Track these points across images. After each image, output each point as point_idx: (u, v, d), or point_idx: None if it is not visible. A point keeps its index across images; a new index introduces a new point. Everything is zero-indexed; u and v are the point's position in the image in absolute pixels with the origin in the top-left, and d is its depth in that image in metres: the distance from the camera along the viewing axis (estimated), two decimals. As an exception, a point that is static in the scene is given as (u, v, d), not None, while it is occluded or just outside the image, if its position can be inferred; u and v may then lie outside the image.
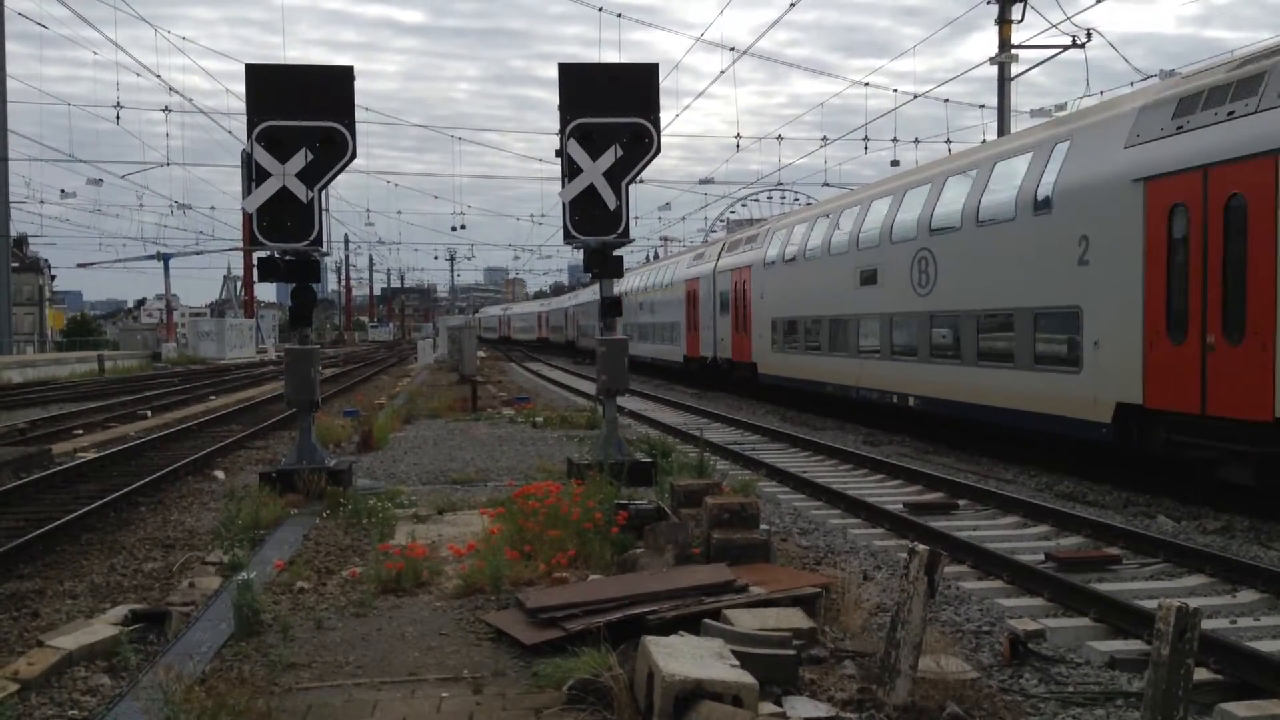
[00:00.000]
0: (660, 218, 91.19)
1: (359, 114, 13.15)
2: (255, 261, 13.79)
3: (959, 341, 17.18)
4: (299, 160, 12.63)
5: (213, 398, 32.62)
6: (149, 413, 26.57)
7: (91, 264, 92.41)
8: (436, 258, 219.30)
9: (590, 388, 29.35)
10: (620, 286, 19.64)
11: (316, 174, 12.73)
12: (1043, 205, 14.88)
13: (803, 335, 24.68)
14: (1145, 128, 13.08)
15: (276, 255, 13.12)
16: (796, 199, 62.77)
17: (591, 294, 58.34)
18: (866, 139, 40.48)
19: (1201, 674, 6.12)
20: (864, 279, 20.90)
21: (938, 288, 17.85)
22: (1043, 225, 14.82)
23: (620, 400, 14.74)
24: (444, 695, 5.86)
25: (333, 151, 12.77)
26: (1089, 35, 25.20)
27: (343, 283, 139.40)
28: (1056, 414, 14.50)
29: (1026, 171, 15.54)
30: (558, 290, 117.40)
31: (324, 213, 13.10)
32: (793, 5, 24.07)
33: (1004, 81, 26.78)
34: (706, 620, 6.32)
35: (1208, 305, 11.64)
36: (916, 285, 18.60)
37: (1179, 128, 12.41)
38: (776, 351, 26.43)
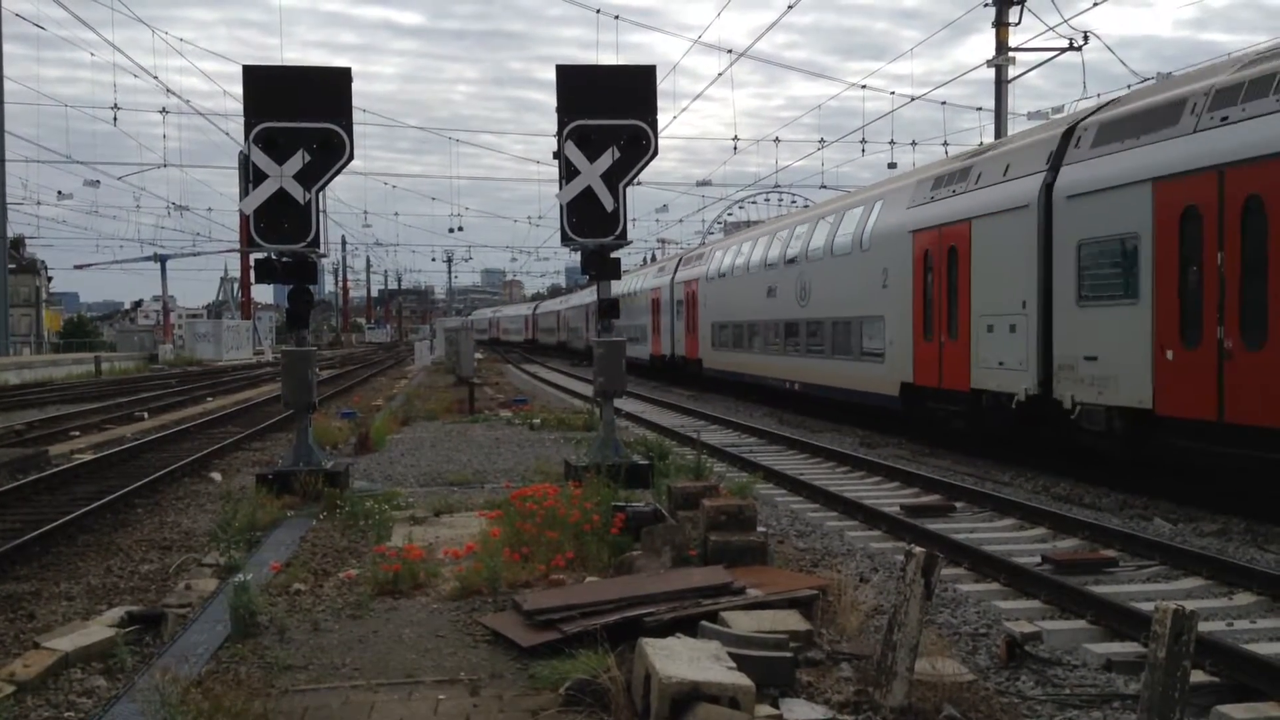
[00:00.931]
0: (658, 219, 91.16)
1: (356, 115, 13.17)
2: (252, 263, 13.78)
3: (823, 340, 23.17)
4: (296, 162, 12.62)
5: (210, 399, 32.60)
6: (146, 414, 26.54)
7: (88, 265, 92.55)
8: (434, 259, 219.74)
9: (587, 390, 29.38)
10: (587, 297, 26.94)
11: (314, 175, 12.73)
12: (866, 245, 20.84)
13: (731, 336, 30.47)
14: (917, 196, 19.09)
15: (274, 257, 13.11)
16: (794, 201, 62.84)
17: (581, 297, 61.40)
18: (864, 141, 40.56)
19: (1198, 676, 6.12)
20: (768, 293, 26.89)
21: (811, 301, 23.96)
22: (866, 258, 20.77)
23: (618, 402, 14.74)
24: (441, 697, 5.86)
25: (330, 153, 12.76)
26: (1086, 38, 25.27)
27: (340, 284, 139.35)
28: (873, 391, 20.47)
29: (859, 220, 21.47)
30: (554, 292, 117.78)
31: (321, 214, 13.10)
32: (790, 7, 24.11)
33: (1001, 84, 26.83)
34: (704, 622, 6.32)
35: (943, 317, 17.77)
36: (799, 299, 24.71)
37: (931, 198, 18.49)
38: (715, 350, 32.22)
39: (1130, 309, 13.09)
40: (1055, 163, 14.93)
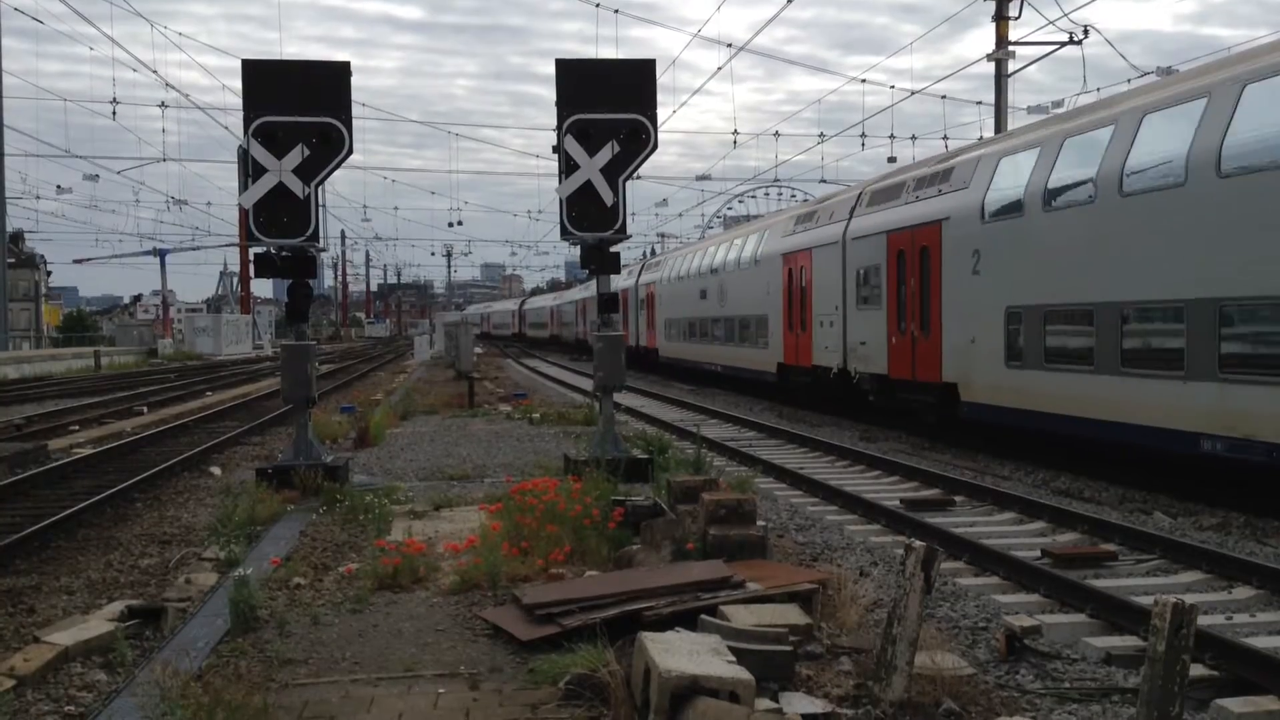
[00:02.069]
0: (657, 214, 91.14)
1: (356, 109, 13.15)
2: (252, 257, 13.76)
3: (734, 333, 30.18)
4: (295, 156, 12.61)
5: (209, 394, 32.58)
6: (145, 409, 26.53)
7: (88, 260, 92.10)
8: (433, 254, 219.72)
9: (586, 384, 29.41)
10: (578, 294, 38.84)
11: (313, 169, 12.71)
12: (757, 262, 28.02)
13: (678, 330, 37.26)
14: (787, 229, 26.53)
15: (273, 251, 13.09)
16: (793, 195, 62.79)
17: (574, 294, 65.16)
18: (864, 136, 40.62)
19: (1197, 670, 6.12)
20: (701, 295, 33.69)
21: (727, 302, 30.83)
22: (757, 272, 27.94)
23: (617, 397, 14.74)
24: (440, 691, 5.86)
25: (329, 147, 12.74)
26: (1086, 32, 25.21)
27: (339, 279, 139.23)
28: (763, 369, 27.72)
29: (755, 243, 28.89)
30: (554, 286, 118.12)
31: (320, 208, 13.09)
32: (789, 2, 24.05)
33: (1001, 78, 26.78)
34: (703, 616, 6.32)
35: (799, 316, 24.72)
36: (719, 301, 31.67)
37: (794, 231, 25.78)
38: (668, 341, 39.07)
39: (878, 311, 20.24)
40: (850, 215, 22.19)
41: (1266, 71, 11.47)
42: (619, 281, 48.56)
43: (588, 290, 66.19)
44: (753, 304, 28.09)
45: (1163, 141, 12.70)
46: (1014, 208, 15.70)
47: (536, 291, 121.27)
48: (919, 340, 18.52)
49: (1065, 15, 25.19)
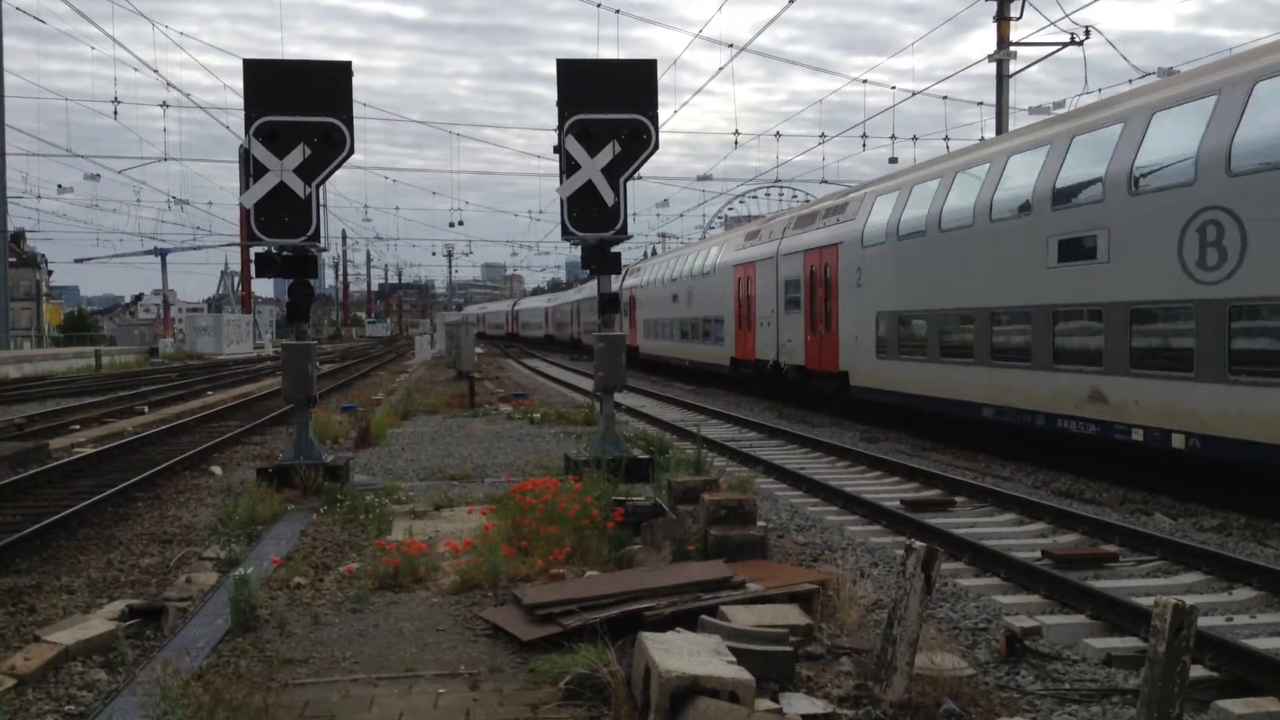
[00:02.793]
0: (658, 214, 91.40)
1: (357, 109, 13.15)
2: (253, 257, 13.77)
3: (698, 331, 34.79)
4: (297, 155, 12.61)
5: (210, 393, 32.60)
6: (146, 408, 26.55)
7: (88, 259, 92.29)
8: (434, 254, 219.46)
9: (587, 384, 29.44)
10: (572, 296, 49.01)
11: (314, 169, 12.71)
12: (715, 271, 32.74)
13: (654, 329, 42.20)
14: (738, 244, 31.26)
15: (274, 251, 13.09)
16: (794, 195, 62.77)
17: (567, 296, 69.70)
18: (865, 136, 40.62)
19: (1198, 671, 6.13)
20: (673, 299, 38.40)
21: (693, 305, 35.53)
22: (715, 279, 32.65)
23: (618, 397, 14.74)
24: (441, 691, 5.86)
25: (330, 147, 12.74)
26: (1087, 33, 25.21)
27: (340, 278, 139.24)
28: (719, 363, 32.26)
29: (714, 254, 33.77)
30: (555, 287, 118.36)
31: (322, 208, 13.09)
32: (791, 2, 24.06)
33: (1002, 79, 26.78)
34: (704, 616, 6.32)
35: (745, 318, 29.34)
36: (686, 304, 36.37)
37: (744, 245, 30.52)
38: (646, 339, 43.78)
39: (799, 315, 25.07)
40: (783, 235, 26.84)
41: (1034, 140, 16.11)
42: (526, 303, 58.36)
43: (580, 293, 71.78)
44: (712, 307, 33.01)
45: (958, 195, 17.70)
46: (881, 237, 20.50)
47: (537, 292, 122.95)
48: (824, 338, 23.50)
49: (1067, 16, 25.29)
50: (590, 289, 66.22)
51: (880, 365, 20.31)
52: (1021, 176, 15.76)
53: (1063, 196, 14.67)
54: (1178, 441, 12.38)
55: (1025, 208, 15.51)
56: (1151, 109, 13.25)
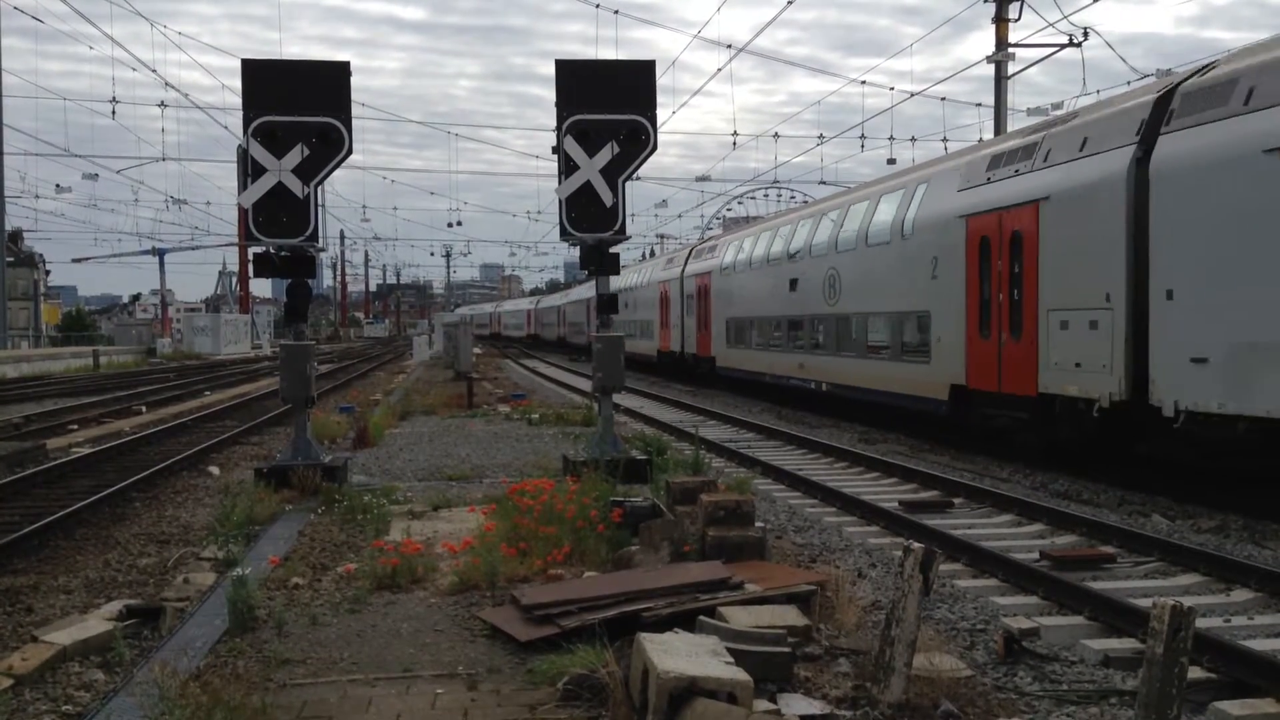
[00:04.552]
0: (657, 215, 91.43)
1: (356, 110, 13.15)
2: (251, 257, 13.75)
3: (637, 331, 42.87)
4: (295, 155, 12.61)
5: (208, 393, 32.58)
6: (144, 408, 26.53)
7: (86, 259, 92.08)
8: (433, 254, 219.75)
9: (585, 385, 29.45)
10: (551, 301, 70.50)
11: (312, 169, 12.71)
12: (648, 286, 43.15)
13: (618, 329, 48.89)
14: (662, 266, 43.43)
15: (272, 251, 13.08)
16: (793, 196, 62.81)
17: (553, 300, 73.21)
18: (863, 137, 40.61)
19: (1195, 673, 6.13)
20: (625, 305, 40.79)
21: (636, 311, 43.89)
22: (649, 293, 42.53)
23: (616, 398, 14.73)
24: (439, 691, 5.86)
25: (329, 147, 12.74)
26: (1085, 34, 25.23)
27: (338, 279, 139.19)
28: (650, 354, 41.10)
29: (649, 272, 44.22)
30: (553, 287, 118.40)
31: (320, 208, 13.09)
32: (790, 3, 24.08)
33: (1000, 80, 26.81)
34: (701, 617, 6.32)
35: (668, 320, 39.61)
36: (632, 310, 44.12)
37: (667, 267, 42.00)
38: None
39: (694, 318, 35.03)
40: (685, 262, 36.55)
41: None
42: (580, 293, 62.03)
43: (566, 297, 76.59)
44: (646, 312, 42.92)
45: (761, 245, 28.31)
46: (729, 270, 30.96)
47: (536, 292, 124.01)
48: (702, 334, 33.97)
49: (1065, 17, 25.31)
50: (553, 299, 68.70)
51: (728, 352, 31.12)
52: (779, 243, 26.74)
53: (788, 255, 25.70)
54: (825, 388, 23.24)
55: (774, 260, 26.78)
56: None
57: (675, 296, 37.26)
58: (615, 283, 49.73)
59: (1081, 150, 14.14)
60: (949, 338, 17.27)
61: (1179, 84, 12.80)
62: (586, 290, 65.68)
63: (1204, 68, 12.87)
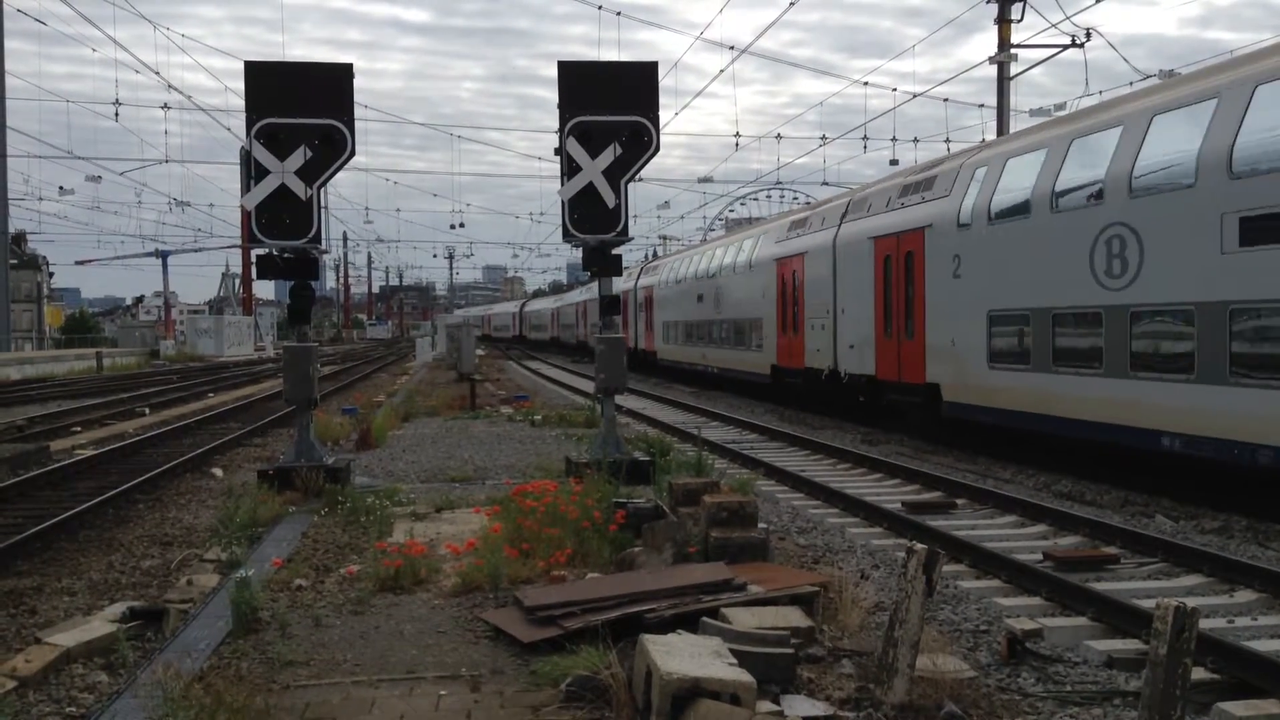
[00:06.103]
0: (659, 216, 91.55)
1: (359, 111, 13.16)
2: (254, 259, 13.77)
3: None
4: (298, 158, 12.61)
5: (211, 395, 32.61)
6: (147, 410, 26.56)
7: (90, 261, 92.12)
8: (435, 256, 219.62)
9: (587, 386, 29.47)
10: (539, 304, 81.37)
11: (315, 171, 12.72)
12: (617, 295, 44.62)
13: (570, 331, 57.92)
14: (636, 278, 48.09)
15: (275, 252, 13.10)
16: (795, 198, 62.84)
17: (544, 303, 77.57)
18: (866, 138, 40.59)
19: (1199, 673, 6.12)
20: (581, 312, 52.52)
21: (591, 321, 46.85)
22: (595, 305, 45.68)
23: (619, 399, 14.73)
24: (442, 693, 5.86)
25: (332, 149, 12.74)
26: (1088, 35, 25.21)
27: (341, 280, 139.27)
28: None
29: (615, 285, 43.76)
30: (555, 289, 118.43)
31: (323, 210, 13.09)
32: (791, 4, 24.08)
33: (1003, 81, 26.77)
34: (704, 619, 6.32)
35: (634, 321, 46.53)
36: (582, 318, 58.55)
37: (639, 274, 48.87)
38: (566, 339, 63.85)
39: (643, 322, 45.64)
40: (638, 277, 46.71)
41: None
42: (576, 297, 67.91)
43: (560, 300, 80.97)
44: (589, 321, 49.30)
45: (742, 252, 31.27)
46: (665, 285, 38.25)
47: (538, 294, 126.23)
48: (649, 334, 41.85)
49: (1068, 18, 25.17)
50: (544, 302, 77.47)
51: (669, 349, 38.97)
52: (693, 266, 35.02)
53: (695, 276, 34.63)
54: (715, 370, 32.35)
55: (690, 279, 35.06)
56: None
57: (629, 303, 45.86)
58: (583, 292, 52.68)
59: (822, 226, 24.42)
60: (770, 336, 27.23)
61: (853, 198, 23.53)
62: (584, 293, 68.20)
63: (866, 185, 24.21)
